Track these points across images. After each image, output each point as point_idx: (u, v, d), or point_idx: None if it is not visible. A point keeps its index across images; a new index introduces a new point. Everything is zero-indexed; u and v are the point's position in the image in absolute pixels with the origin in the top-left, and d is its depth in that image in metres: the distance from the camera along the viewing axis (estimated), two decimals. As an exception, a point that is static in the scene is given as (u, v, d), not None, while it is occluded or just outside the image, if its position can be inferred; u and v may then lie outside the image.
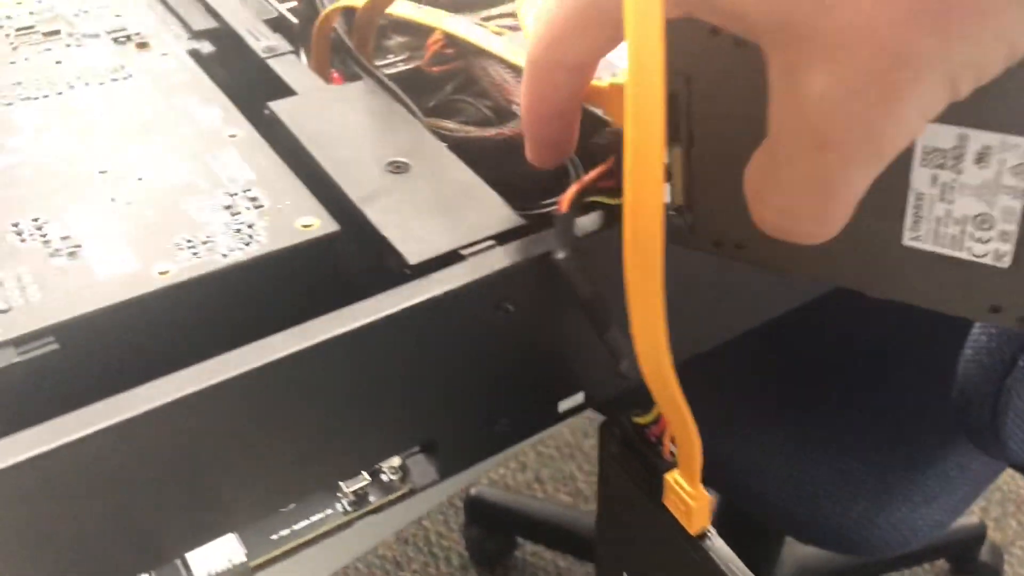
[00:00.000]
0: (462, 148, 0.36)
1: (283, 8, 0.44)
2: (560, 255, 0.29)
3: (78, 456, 0.24)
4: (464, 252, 0.30)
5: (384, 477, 0.32)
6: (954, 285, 0.25)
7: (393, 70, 0.46)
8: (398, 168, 0.33)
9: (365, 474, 0.31)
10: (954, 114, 0.21)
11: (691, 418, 0.27)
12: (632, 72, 0.21)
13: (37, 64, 0.40)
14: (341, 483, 0.31)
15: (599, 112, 0.32)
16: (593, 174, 0.30)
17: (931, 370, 0.67)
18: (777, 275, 0.31)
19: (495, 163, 0.35)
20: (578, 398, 0.34)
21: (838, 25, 0.19)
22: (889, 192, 0.24)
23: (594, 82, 0.28)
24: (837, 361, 0.62)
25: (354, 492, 0.31)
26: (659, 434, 0.33)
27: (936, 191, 0.23)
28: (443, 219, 0.31)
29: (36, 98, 0.37)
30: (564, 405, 0.34)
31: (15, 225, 0.31)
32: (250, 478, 0.28)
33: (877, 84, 0.19)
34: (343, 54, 0.44)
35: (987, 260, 0.24)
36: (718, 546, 0.30)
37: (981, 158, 0.23)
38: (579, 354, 0.33)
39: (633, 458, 0.34)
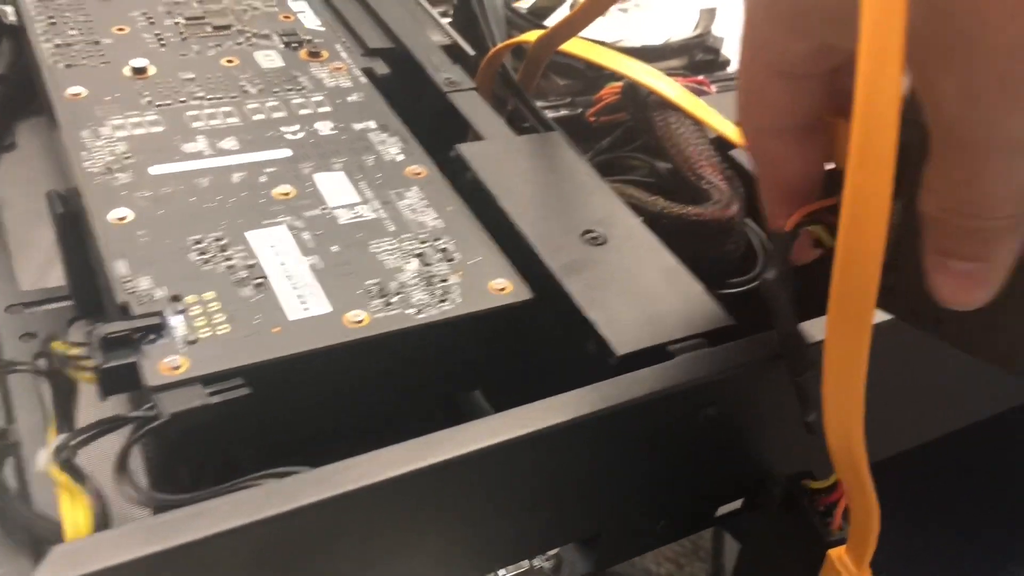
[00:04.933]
0: (650, 220, 0.34)
1: (457, 36, 0.43)
2: (770, 275, 0.26)
3: (280, 528, 0.22)
4: (672, 349, 0.28)
5: (537, 563, 0.30)
6: None
7: (554, 114, 0.45)
8: (595, 239, 0.31)
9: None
10: None
11: (872, 490, 0.25)
12: (861, 115, 0.19)
13: (209, 61, 0.38)
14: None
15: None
16: (824, 203, 0.28)
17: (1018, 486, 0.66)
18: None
19: (683, 242, 0.34)
20: (737, 504, 0.33)
21: (960, 36, 0.18)
22: None
23: None
24: (937, 472, 0.60)
25: (509, 578, 0.29)
26: (829, 504, 0.30)
27: None
28: (647, 306, 0.29)
29: (210, 99, 0.36)
30: (723, 510, 0.33)
31: (197, 242, 0.29)
32: (421, 561, 0.26)
33: (999, 85, 0.18)
34: (506, 90, 0.43)
35: None
36: None
37: None
38: (756, 463, 0.31)
39: (794, 524, 0.31)
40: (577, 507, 0.28)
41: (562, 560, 0.30)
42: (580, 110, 0.45)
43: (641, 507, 0.30)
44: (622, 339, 0.28)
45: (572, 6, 0.50)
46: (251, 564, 0.22)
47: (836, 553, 0.28)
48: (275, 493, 0.22)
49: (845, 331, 0.21)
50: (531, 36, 0.41)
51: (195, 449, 0.27)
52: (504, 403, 0.26)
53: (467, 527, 0.26)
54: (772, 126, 0.24)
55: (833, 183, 0.26)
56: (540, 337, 0.31)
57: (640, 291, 0.30)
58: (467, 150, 0.34)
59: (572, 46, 0.40)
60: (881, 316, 0.29)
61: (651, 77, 0.38)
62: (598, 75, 0.48)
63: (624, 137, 0.44)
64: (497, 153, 0.35)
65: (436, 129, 0.38)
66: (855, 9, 0.19)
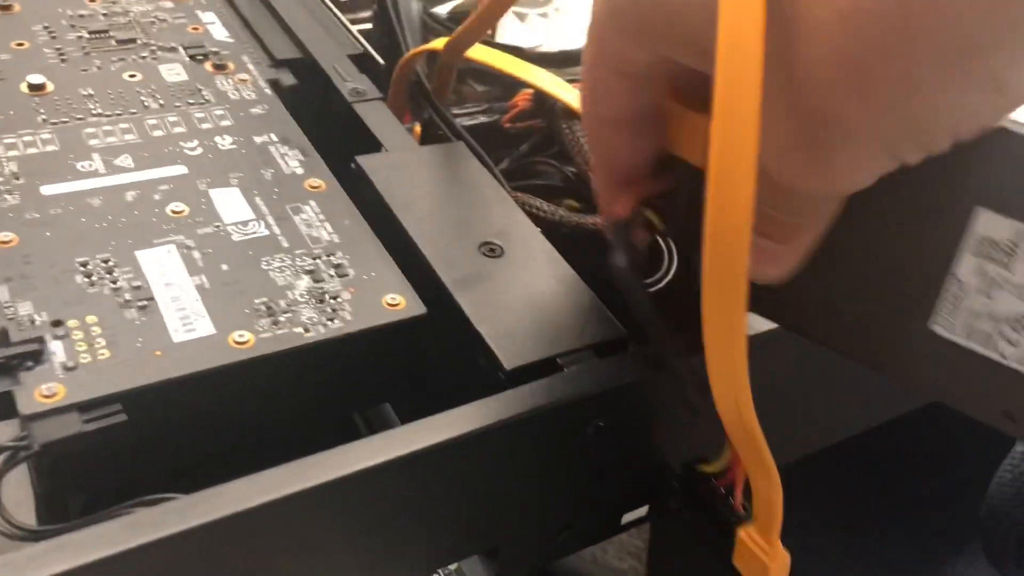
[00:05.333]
0: (551, 230, 0.34)
1: (368, 44, 0.43)
2: (619, 262, 0.26)
3: (145, 560, 0.22)
4: (561, 361, 0.28)
5: (437, 578, 0.30)
6: (972, 383, 0.24)
7: (471, 121, 0.45)
8: (492, 251, 0.31)
9: (421, 576, 0.29)
10: (1018, 207, 0.21)
11: (771, 460, 0.24)
12: (721, 111, 0.19)
13: (110, 76, 0.38)
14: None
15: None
16: (654, 189, 0.27)
17: (946, 480, 0.67)
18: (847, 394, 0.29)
19: (583, 250, 0.34)
20: (642, 511, 0.33)
21: (774, 83, 0.18)
22: (928, 273, 0.23)
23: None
24: (864, 470, 0.61)
25: (408, 595, 0.29)
26: (727, 485, 0.29)
27: (979, 282, 0.22)
28: (539, 319, 0.29)
29: (108, 115, 0.35)
30: (628, 517, 0.33)
31: (84, 264, 0.29)
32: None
33: (806, 145, 0.19)
34: (421, 99, 0.43)
35: (1013, 364, 0.23)
36: None
37: None
38: (652, 470, 0.31)
39: (698, 512, 0.30)
40: (472, 522, 0.28)
41: (463, 574, 0.30)
42: (497, 117, 0.45)
43: (538, 519, 0.30)
44: (511, 353, 0.28)
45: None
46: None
47: (745, 531, 0.27)
48: (138, 523, 0.22)
49: (721, 299, 0.21)
50: (440, 43, 0.41)
51: (79, 476, 0.26)
52: (412, 418, 0.26)
53: (356, 547, 0.26)
54: (611, 118, 0.24)
55: (661, 167, 0.26)
56: (437, 352, 0.31)
57: (533, 303, 0.30)
58: (367, 162, 0.34)
59: (480, 53, 0.40)
60: (767, 325, 0.29)
61: (555, 86, 0.38)
62: (517, 81, 0.47)
63: (542, 143, 0.44)
64: (398, 164, 0.34)
65: (344, 141, 0.38)
66: (698, 31, 0.19)
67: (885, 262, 0.24)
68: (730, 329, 0.21)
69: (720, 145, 0.19)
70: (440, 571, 0.30)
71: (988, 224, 0.22)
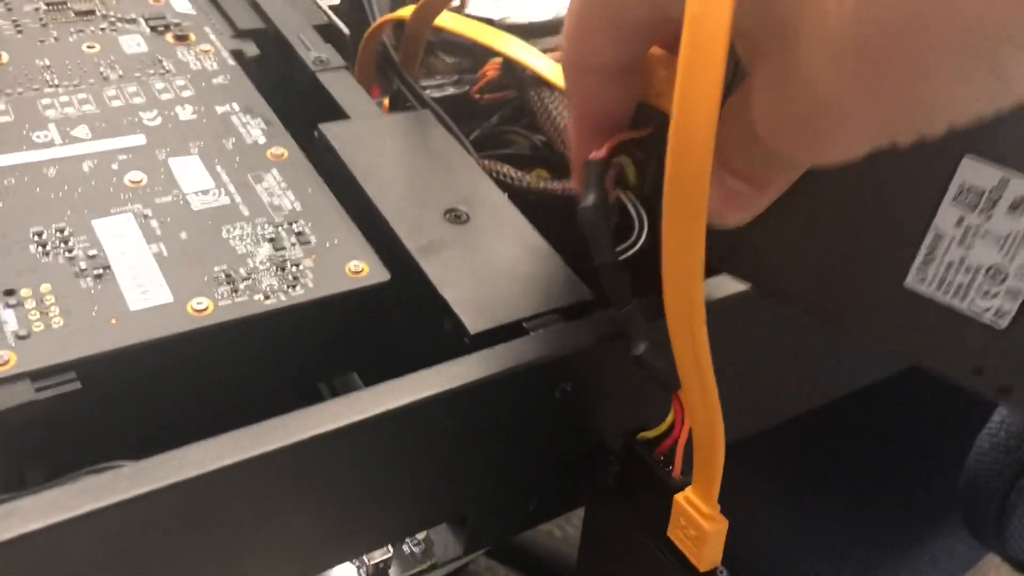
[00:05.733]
0: (518, 196, 0.33)
1: (333, 14, 0.42)
2: (587, 202, 0.25)
3: (96, 526, 0.21)
4: (527, 325, 0.27)
5: (406, 548, 0.30)
6: (943, 338, 0.23)
7: (440, 93, 0.44)
8: (457, 217, 0.31)
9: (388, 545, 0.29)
10: (1002, 154, 0.21)
11: (717, 400, 0.22)
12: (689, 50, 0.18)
13: (68, 47, 0.37)
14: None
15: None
16: (632, 135, 0.26)
17: (927, 451, 0.66)
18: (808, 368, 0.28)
19: (551, 217, 0.33)
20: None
21: (775, 55, 0.19)
22: (905, 225, 0.22)
23: None
24: (844, 440, 0.61)
25: (375, 564, 0.29)
26: (666, 451, 0.27)
27: (958, 232, 0.22)
28: (505, 283, 0.29)
29: (66, 87, 0.35)
30: (600, 485, 0.32)
31: (38, 234, 0.28)
32: (277, 550, 0.25)
33: (800, 121, 0.19)
34: (389, 70, 0.42)
35: (986, 317, 0.22)
36: None
37: (1017, 206, 0.21)
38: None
39: (636, 480, 0.28)
40: (438, 488, 0.28)
41: (432, 543, 0.30)
42: (467, 88, 0.45)
43: (507, 486, 0.29)
44: (476, 317, 0.27)
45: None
46: (71, 564, 0.21)
47: (682, 496, 0.26)
48: (87, 489, 0.21)
49: (679, 217, 0.20)
50: (407, 11, 0.40)
51: (35, 446, 0.26)
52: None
53: (318, 515, 0.26)
54: (595, 66, 0.24)
55: (640, 117, 0.25)
56: (403, 318, 0.30)
57: (499, 268, 0.29)
58: (330, 130, 0.33)
59: (449, 22, 0.40)
60: (736, 288, 0.29)
61: (526, 53, 0.38)
62: (486, 52, 0.47)
63: (513, 114, 0.44)
64: (362, 132, 0.34)
65: (309, 110, 0.37)
66: None
67: (862, 214, 0.23)
68: (687, 246, 0.20)
69: (687, 70, 0.19)
70: (408, 540, 0.29)
71: (972, 171, 0.21)
